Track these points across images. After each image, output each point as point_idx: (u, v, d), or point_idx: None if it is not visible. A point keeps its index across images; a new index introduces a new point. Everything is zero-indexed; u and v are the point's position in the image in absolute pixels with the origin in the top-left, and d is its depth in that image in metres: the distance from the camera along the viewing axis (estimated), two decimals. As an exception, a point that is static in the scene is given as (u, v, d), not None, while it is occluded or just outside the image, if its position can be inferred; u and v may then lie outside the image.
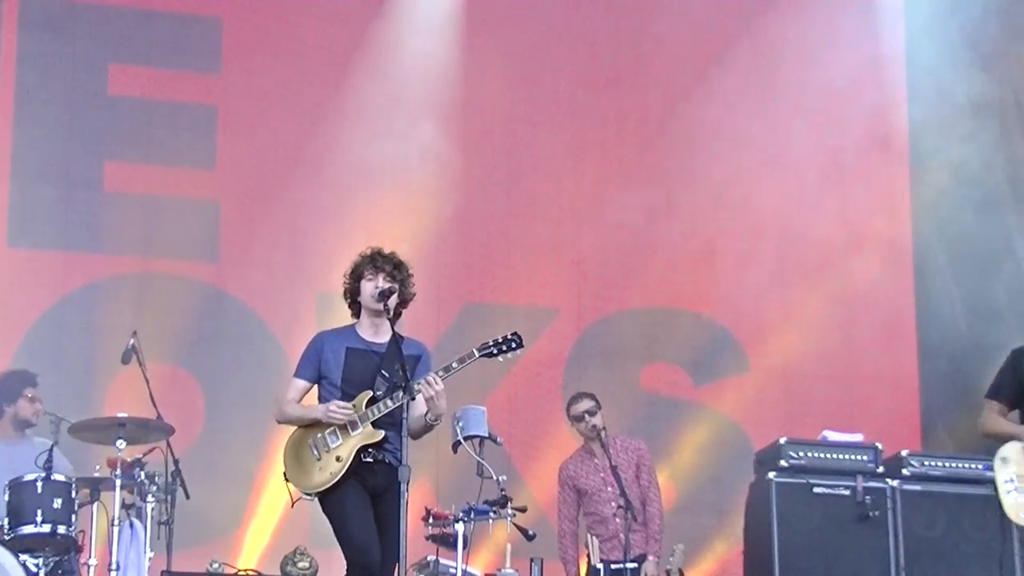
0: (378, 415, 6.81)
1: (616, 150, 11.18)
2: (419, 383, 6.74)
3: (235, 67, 10.72)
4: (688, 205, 11.15)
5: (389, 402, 6.78)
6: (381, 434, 6.80)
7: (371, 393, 6.86)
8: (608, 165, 11.13)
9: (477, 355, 6.88)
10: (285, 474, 6.96)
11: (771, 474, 8.54)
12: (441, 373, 6.80)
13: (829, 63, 11.00)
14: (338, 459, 6.81)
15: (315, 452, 6.86)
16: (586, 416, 8.49)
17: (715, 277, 11.12)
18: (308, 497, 6.90)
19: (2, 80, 10.31)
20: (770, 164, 11.17)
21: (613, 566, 8.30)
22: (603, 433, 8.48)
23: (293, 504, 7.03)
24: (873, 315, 11.15)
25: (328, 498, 6.85)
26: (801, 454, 8.62)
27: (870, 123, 11.34)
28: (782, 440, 8.65)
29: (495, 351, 6.90)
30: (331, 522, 6.85)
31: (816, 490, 8.50)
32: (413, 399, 6.70)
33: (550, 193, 11.07)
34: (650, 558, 8.30)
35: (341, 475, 6.79)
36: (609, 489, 8.42)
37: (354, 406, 6.84)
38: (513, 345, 6.90)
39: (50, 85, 10.29)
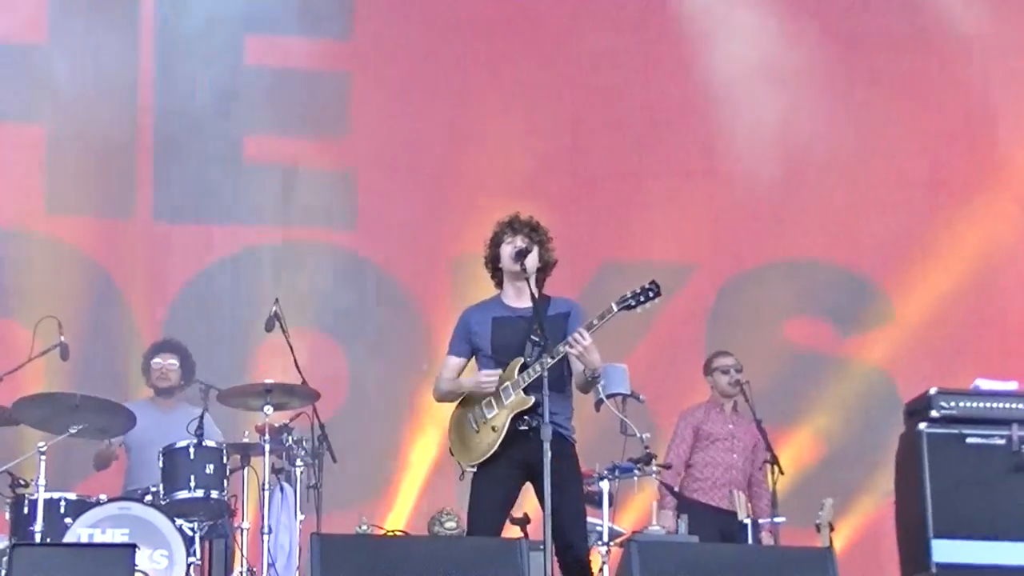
0: (528, 380, 6.82)
1: (751, 100, 11.01)
2: (566, 342, 6.73)
3: (367, 33, 10.77)
4: (828, 156, 10.97)
5: (538, 367, 6.77)
6: (532, 400, 6.80)
7: (522, 359, 6.88)
8: (743, 116, 10.97)
9: (616, 309, 6.85)
10: (451, 449, 7.04)
11: (922, 425, 8.37)
12: (560, 350, 6.75)
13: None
14: (494, 429, 6.86)
15: (473, 425, 6.93)
16: (732, 371, 8.48)
17: (857, 225, 10.93)
18: (471, 469, 6.94)
19: (143, 56, 10.49)
20: (916, 108, 10.94)
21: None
22: (747, 388, 8.48)
23: (461, 477, 7.03)
24: (1023, 258, 10.89)
25: (479, 473, 6.91)
26: (953, 404, 8.42)
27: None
28: (933, 390, 8.47)
29: (633, 303, 6.85)
30: (470, 495, 6.92)
31: (969, 440, 8.31)
32: (554, 359, 6.68)
33: (685, 148, 10.97)
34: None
35: (497, 445, 6.81)
36: (735, 441, 8.38)
37: (507, 374, 6.87)
38: (651, 294, 6.84)
39: (189, 58, 10.44)
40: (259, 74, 10.56)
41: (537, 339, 6.84)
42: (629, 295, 6.86)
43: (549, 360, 6.69)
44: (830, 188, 10.96)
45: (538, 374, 6.75)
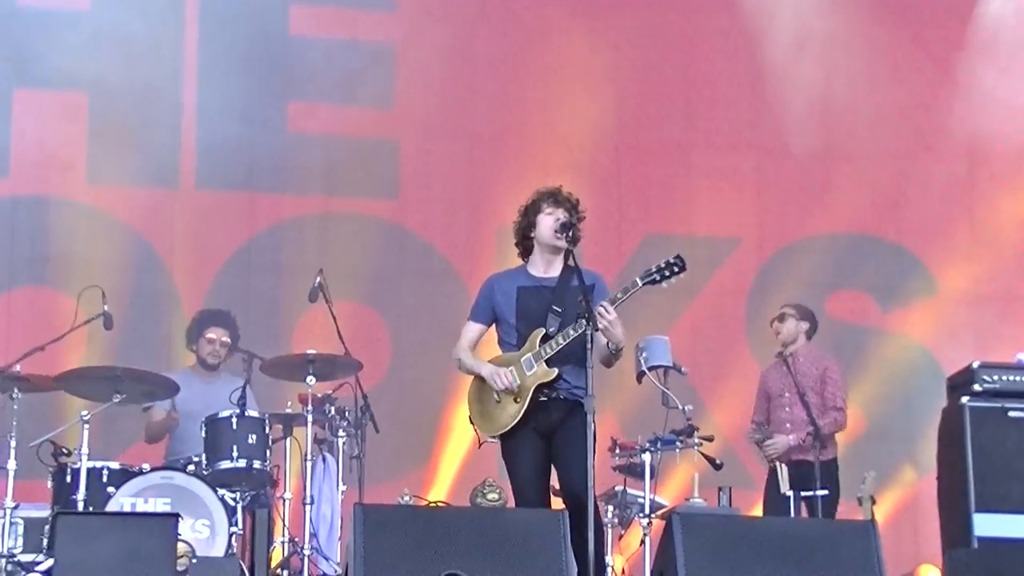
0: (551, 352, 6.80)
1: (796, 77, 10.95)
2: (593, 314, 6.67)
3: (411, 4, 10.75)
4: (871, 129, 10.90)
5: (560, 339, 6.76)
6: (555, 372, 6.79)
7: (543, 331, 6.85)
8: (786, 90, 10.92)
9: (640, 283, 6.80)
10: (471, 417, 7.03)
11: (964, 399, 8.33)
12: (582, 323, 6.67)
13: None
14: (516, 400, 6.84)
15: (495, 395, 6.90)
16: (775, 323, 8.71)
17: (898, 199, 10.87)
18: (492, 439, 6.96)
19: (188, 24, 10.49)
20: (955, 86, 10.86)
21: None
22: (791, 360, 8.49)
23: (480, 446, 7.08)
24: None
25: (505, 443, 6.91)
26: (995, 377, 8.38)
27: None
28: (975, 364, 8.42)
29: (657, 277, 6.80)
30: (508, 474, 6.92)
31: (1012, 414, 8.26)
32: (588, 329, 6.59)
33: (729, 121, 10.91)
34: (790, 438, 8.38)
35: (520, 416, 6.81)
36: (787, 395, 8.53)
37: (529, 345, 6.84)
38: (676, 269, 6.80)
39: (233, 28, 10.43)
40: (303, 44, 10.55)
41: (560, 309, 6.79)
42: (654, 269, 6.82)
43: (589, 329, 6.59)
44: (873, 162, 10.90)
45: (561, 346, 6.72)
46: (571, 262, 6.84)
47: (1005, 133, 10.83)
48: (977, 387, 8.37)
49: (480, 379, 6.97)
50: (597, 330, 6.64)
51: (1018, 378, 8.43)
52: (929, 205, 10.90)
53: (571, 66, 10.68)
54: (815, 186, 10.87)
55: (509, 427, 6.85)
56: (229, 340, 8.93)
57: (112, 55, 10.21)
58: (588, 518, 6.42)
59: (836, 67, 10.92)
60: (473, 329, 7.05)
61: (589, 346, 6.61)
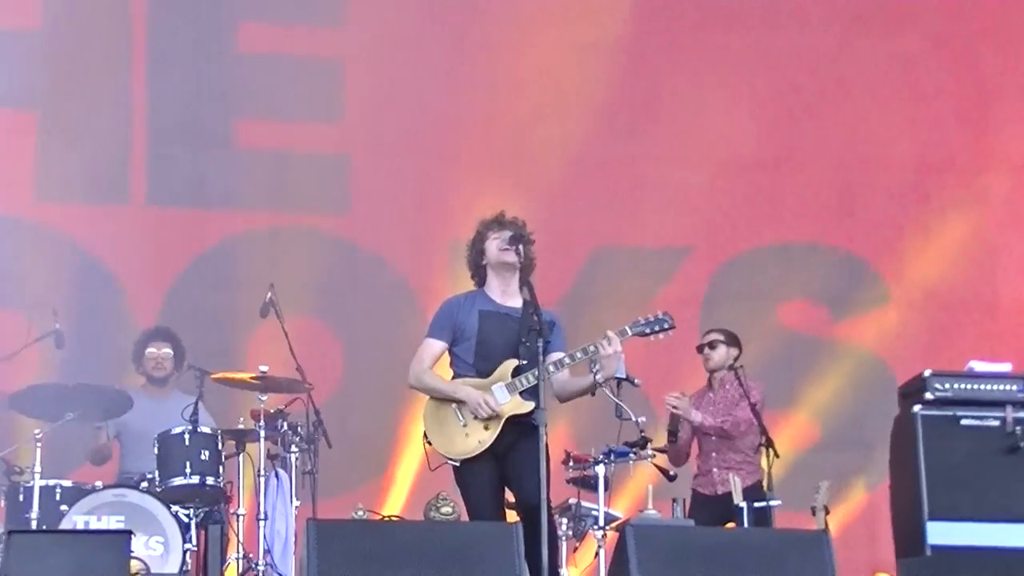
0: (526, 386, 6.81)
1: (745, 86, 11.02)
2: (598, 343, 6.80)
3: (360, 19, 10.75)
4: (820, 139, 10.97)
5: (531, 377, 6.75)
6: (531, 405, 6.79)
7: (516, 362, 6.86)
8: (737, 102, 10.98)
9: (630, 333, 6.94)
10: (426, 436, 6.98)
11: (916, 407, 8.37)
12: (592, 348, 6.83)
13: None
14: (487, 428, 6.83)
15: (460, 417, 6.89)
16: (705, 349, 8.61)
17: (851, 209, 10.94)
18: (452, 462, 6.92)
19: (135, 41, 10.46)
20: (909, 90, 10.94)
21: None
22: (741, 372, 8.50)
23: (432, 468, 7.03)
24: (1017, 240, 10.89)
25: (464, 468, 6.89)
26: (947, 386, 8.43)
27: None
28: (927, 372, 8.48)
29: (647, 330, 6.96)
30: (463, 494, 6.93)
31: (963, 422, 8.31)
32: (572, 363, 6.82)
33: (678, 133, 10.96)
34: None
35: (492, 442, 6.80)
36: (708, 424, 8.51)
37: (500, 374, 6.85)
38: (665, 325, 6.97)
39: (182, 45, 10.42)
40: (252, 60, 10.54)
41: (529, 343, 6.77)
42: (643, 322, 6.96)
43: (570, 360, 6.80)
44: (824, 172, 10.97)
45: (532, 383, 6.73)
46: (528, 294, 6.84)
47: (955, 143, 10.94)
48: (929, 395, 8.42)
49: (438, 399, 6.94)
50: (572, 363, 6.82)
51: (970, 386, 8.48)
52: (880, 214, 10.97)
53: (521, 80, 10.70)
54: (766, 196, 10.92)
55: (476, 453, 6.84)
56: (171, 351, 8.87)
57: (61, 73, 10.18)
58: (541, 529, 6.41)
59: (786, 78, 10.99)
60: (435, 347, 7.03)
61: (541, 358, 6.62)
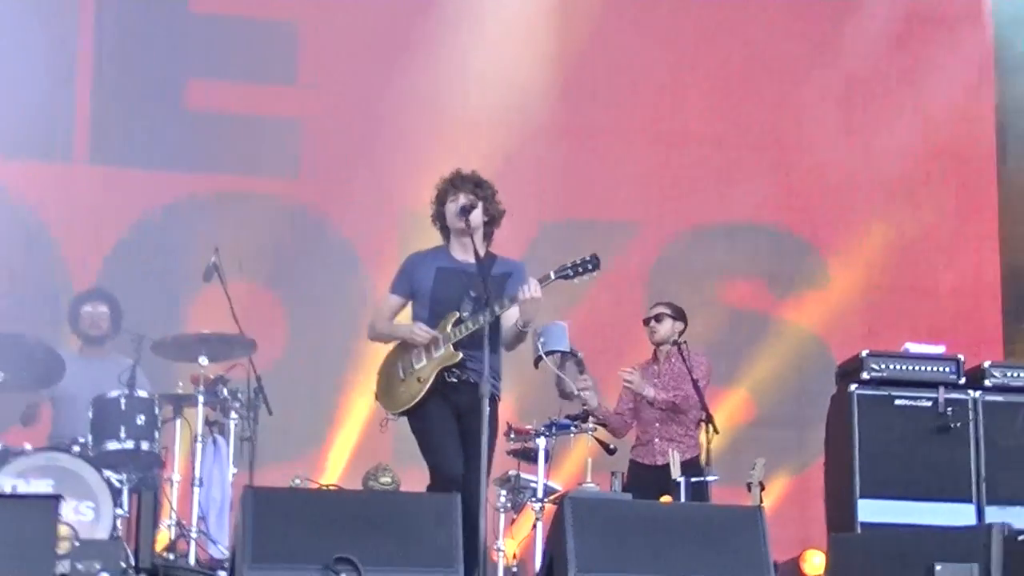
0: (460, 336, 6.86)
1: (694, 63, 11.04)
2: (510, 295, 6.79)
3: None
4: (764, 120, 11.02)
5: (470, 324, 6.81)
6: (459, 356, 6.86)
7: (457, 314, 6.91)
8: (686, 79, 11.00)
9: (553, 277, 6.89)
10: (376, 394, 7.06)
11: (852, 386, 8.46)
12: (513, 295, 6.79)
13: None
14: (419, 380, 6.91)
15: (400, 373, 6.98)
16: (652, 322, 8.65)
17: (794, 189, 11.01)
18: (392, 417, 6.98)
19: (84, -1, 10.35)
20: (846, 79, 11.00)
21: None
22: (684, 348, 8.54)
23: (382, 426, 7.07)
24: (955, 227, 11.00)
25: (413, 416, 6.96)
26: (883, 366, 8.52)
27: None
28: (864, 352, 8.57)
29: (571, 273, 6.90)
30: (417, 439, 6.96)
31: (898, 402, 8.41)
32: (495, 316, 6.73)
33: (628, 108, 10.98)
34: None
35: (422, 395, 6.87)
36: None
37: (441, 327, 6.89)
38: (590, 267, 6.89)
39: (133, 2, 10.31)
40: (204, 20, 10.44)
41: (475, 295, 6.85)
42: (568, 265, 6.91)
43: (490, 315, 6.72)
44: (771, 152, 11.02)
45: (471, 331, 6.79)
46: (477, 246, 6.88)
47: (897, 128, 11.01)
48: (865, 375, 8.51)
49: (392, 354, 7.02)
50: (496, 315, 6.74)
51: (905, 367, 8.57)
52: (823, 196, 11.04)
53: (478, 49, 10.67)
54: (713, 174, 10.96)
55: (409, 406, 6.90)
56: (108, 311, 8.72)
57: (6, 24, 10.04)
58: (481, 499, 6.47)
59: (735, 57, 11.02)
60: (393, 300, 7.13)
61: (486, 332, 6.67)
